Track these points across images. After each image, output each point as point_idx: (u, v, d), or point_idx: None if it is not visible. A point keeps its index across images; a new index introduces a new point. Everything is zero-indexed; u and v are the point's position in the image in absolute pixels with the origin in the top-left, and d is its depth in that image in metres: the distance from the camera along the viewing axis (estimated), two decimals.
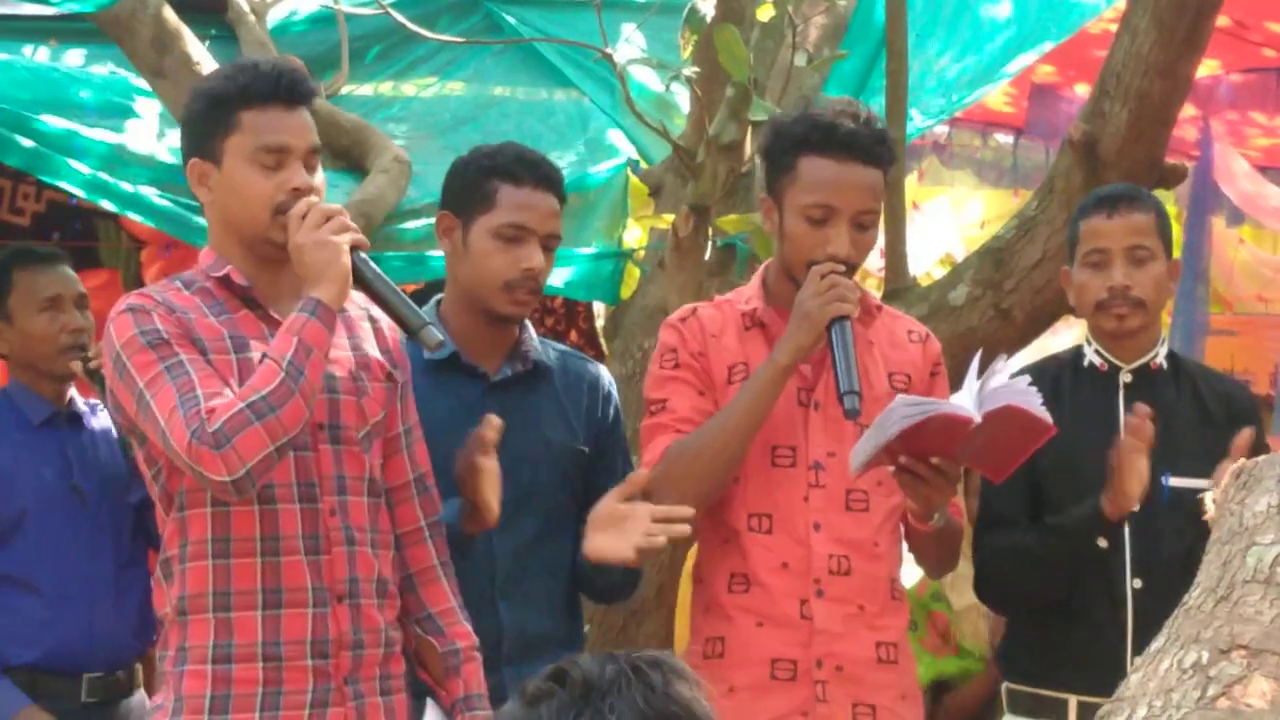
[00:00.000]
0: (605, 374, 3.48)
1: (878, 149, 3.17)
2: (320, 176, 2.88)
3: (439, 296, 3.38)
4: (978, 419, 2.89)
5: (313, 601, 2.80)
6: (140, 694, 4.03)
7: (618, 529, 3.12)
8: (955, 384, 3.40)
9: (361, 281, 2.81)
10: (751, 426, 3.13)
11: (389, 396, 2.96)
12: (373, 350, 2.95)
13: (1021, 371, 3.55)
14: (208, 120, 2.83)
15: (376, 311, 3.00)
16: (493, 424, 3.09)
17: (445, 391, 3.19)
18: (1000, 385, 2.92)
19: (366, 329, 2.98)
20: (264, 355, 2.73)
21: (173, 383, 2.69)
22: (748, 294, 3.31)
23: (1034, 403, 2.93)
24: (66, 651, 3.89)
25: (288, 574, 2.79)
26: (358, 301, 2.99)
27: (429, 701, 3.06)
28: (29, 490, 3.94)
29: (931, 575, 3.56)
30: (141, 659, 4.06)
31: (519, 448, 3.26)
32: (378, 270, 2.84)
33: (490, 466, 3.06)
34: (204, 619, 2.77)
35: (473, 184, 3.27)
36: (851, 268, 3.17)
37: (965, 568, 4.42)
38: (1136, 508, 3.30)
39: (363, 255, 2.80)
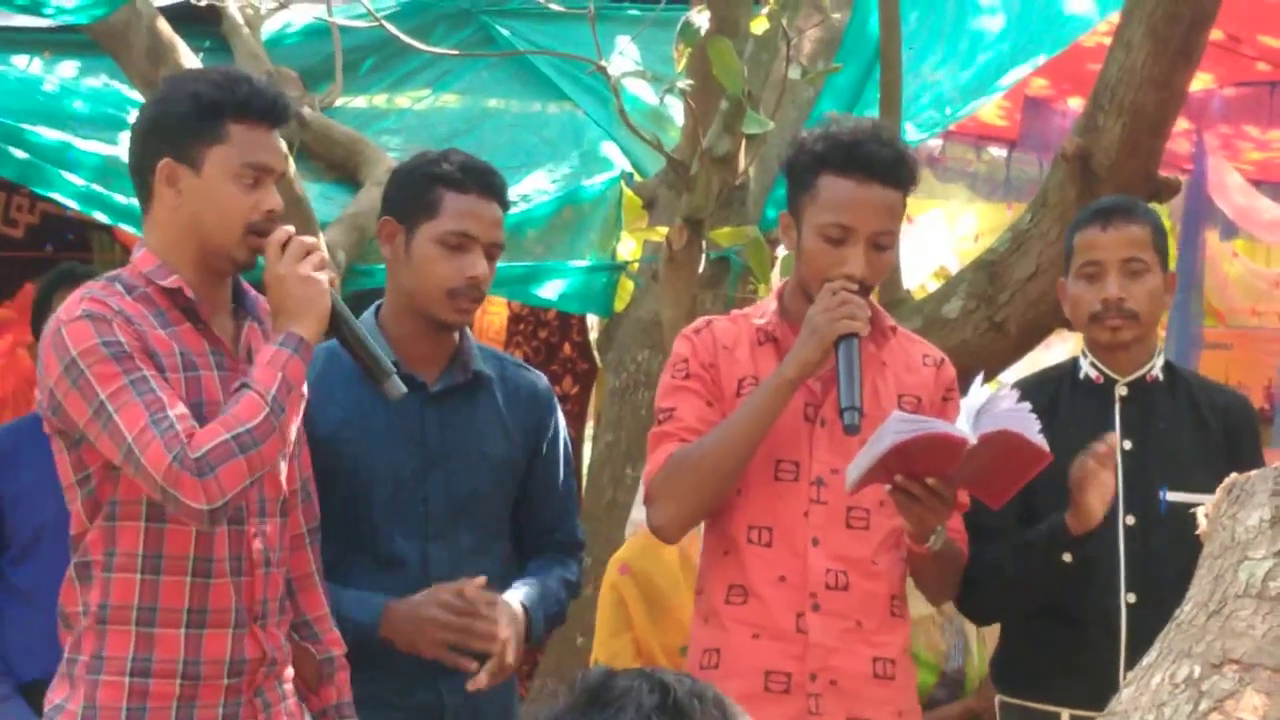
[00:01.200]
0: (544, 383, 3.48)
1: (898, 170, 3.16)
2: (279, 201, 2.88)
3: (379, 303, 3.36)
4: (973, 440, 2.89)
5: (235, 623, 2.82)
6: None
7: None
8: None
9: (335, 320, 2.83)
10: (754, 438, 3.13)
11: (299, 412, 2.94)
12: None
13: (1017, 384, 3.56)
14: (193, 124, 2.81)
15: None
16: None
17: (384, 402, 3.18)
18: (999, 409, 2.92)
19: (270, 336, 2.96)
20: (242, 384, 2.73)
21: (139, 399, 2.68)
22: (764, 308, 3.31)
23: (1031, 429, 2.93)
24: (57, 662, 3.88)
25: (215, 595, 2.80)
26: (265, 309, 2.98)
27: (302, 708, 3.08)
28: (50, 508, 3.93)
29: (932, 601, 3.54)
30: None
31: (457, 459, 3.26)
32: (348, 313, 2.87)
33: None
34: (126, 631, 2.78)
35: (417, 191, 3.26)
36: (866, 288, 3.17)
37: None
38: (1096, 524, 3.29)
39: (336, 296, 2.83)
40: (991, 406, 2.91)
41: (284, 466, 2.89)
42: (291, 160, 4.74)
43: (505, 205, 3.32)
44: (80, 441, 2.77)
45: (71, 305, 2.77)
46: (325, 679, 3.01)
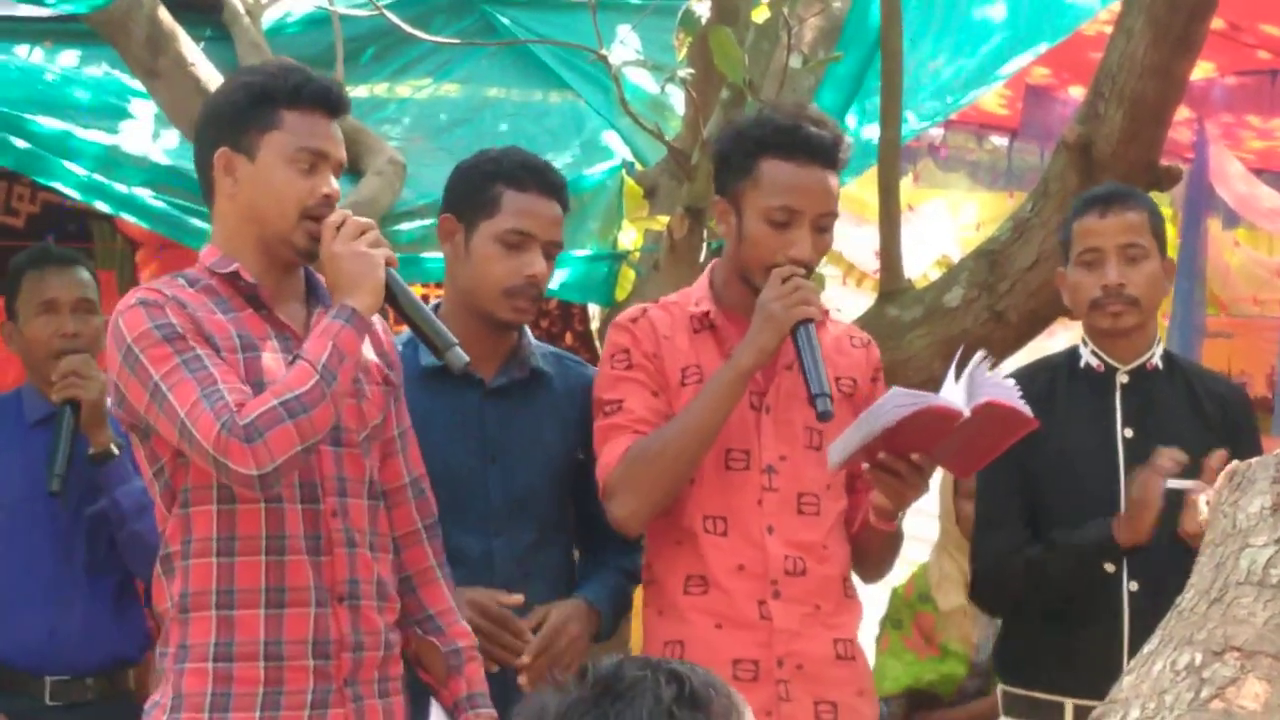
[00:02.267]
0: None
1: (836, 151, 3.19)
2: (337, 188, 2.89)
3: (437, 302, 3.37)
4: (966, 413, 2.90)
5: (315, 601, 2.81)
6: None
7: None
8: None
9: (392, 297, 2.83)
10: (713, 428, 3.13)
11: (386, 399, 2.96)
12: (370, 354, 2.95)
13: (1017, 373, 3.56)
14: (247, 112, 2.83)
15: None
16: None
17: (442, 398, 3.19)
18: (984, 380, 2.92)
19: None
20: (296, 356, 2.74)
21: (192, 376, 2.70)
22: (696, 295, 3.30)
23: (1015, 397, 2.94)
24: (27, 652, 3.88)
25: (291, 573, 2.79)
26: None
27: (433, 702, 3.06)
28: (8, 487, 3.94)
29: (869, 579, 3.55)
30: (129, 666, 4.03)
31: (517, 455, 3.27)
32: (406, 288, 2.86)
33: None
34: (206, 616, 2.78)
35: (477, 188, 3.27)
36: (810, 270, 3.17)
37: (952, 569, 4.42)
38: (1147, 540, 3.31)
39: (393, 272, 2.82)
40: (975, 378, 2.92)
41: (369, 450, 2.89)
42: None
43: (565, 204, 3.33)
44: (150, 433, 2.78)
45: (128, 296, 2.81)
46: (453, 671, 2.99)
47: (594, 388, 3.30)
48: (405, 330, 3.04)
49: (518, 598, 3.21)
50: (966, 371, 2.93)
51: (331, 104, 2.88)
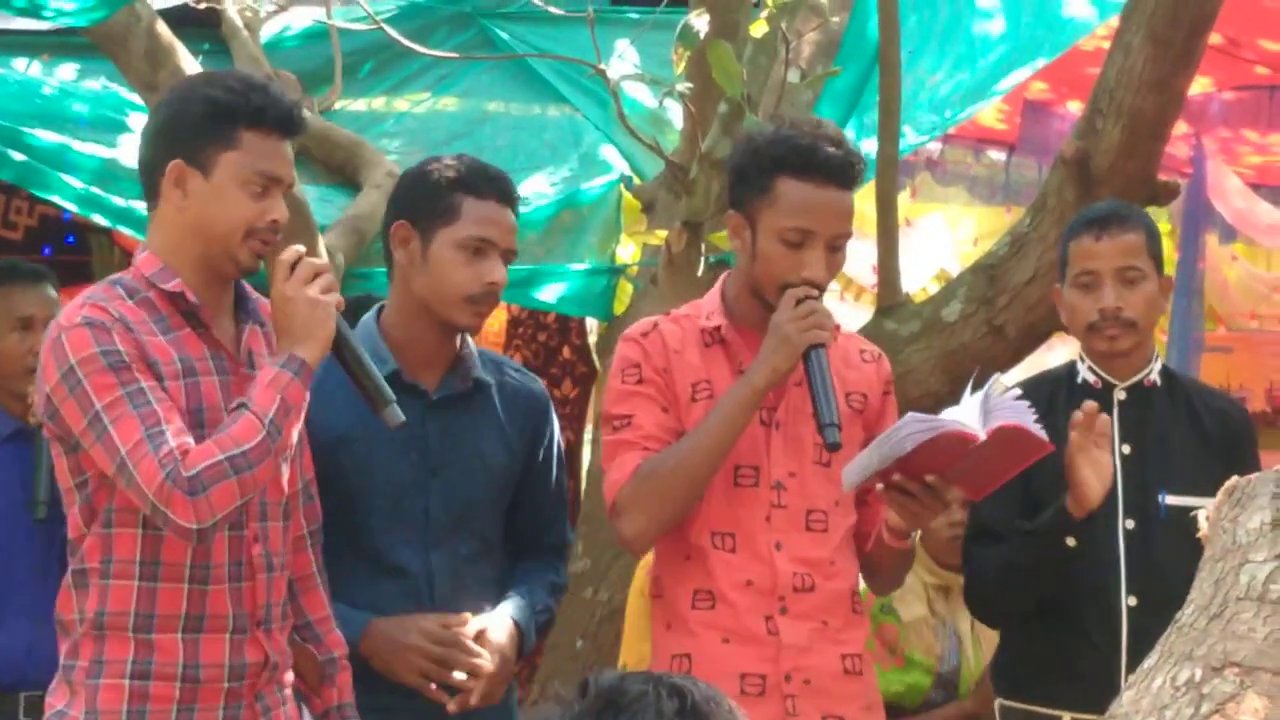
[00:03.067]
0: (541, 389, 3.47)
1: (853, 172, 3.18)
2: (285, 212, 2.88)
3: (379, 305, 3.35)
4: (982, 436, 2.90)
5: (233, 628, 2.82)
6: None
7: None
8: (950, 402, 3.40)
9: (338, 345, 2.83)
10: (724, 447, 3.13)
11: (301, 416, 2.95)
12: None
13: (1015, 388, 3.56)
14: (206, 128, 2.81)
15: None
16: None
17: None
18: (1001, 403, 2.92)
19: (271, 339, 2.95)
20: (240, 404, 2.73)
21: (135, 412, 2.68)
22: (707, 309, 3.28)
23: (1031, 421, 2.94)
24: (5, 669, 3.87)
25: (213, 601, 2.80)
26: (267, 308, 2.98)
27: (303, 709, 3.08)
28: None
29: (879, 592, 3.55)
30: None
31: (458, 467, 3.25)
32: (352, 336, 2.86)
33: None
34: (124, 637, 2.78)
35: (434, 195, 3.24)
36: (822, 290, 3.18)
37: (913, 581, 4.42)
38: (1097, 505, 3.30)
39: (341, 320, 2.82)
40: (991, 401, 2.92)
41: (285, 469, 2.89)
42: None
43: (517, 212, 3.33)
44: (78, 447, 2.76)
45: (72, 311, 2.77)
46: (327, 680, 3.01)
47: (603, 401, 3.30)
48: (360, 322, 3.02)
49: (465, 616, 3.20)
50: (982, 393, 2.93)
51: (290, 126, 2.86)
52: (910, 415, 2.96)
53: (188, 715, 2.79)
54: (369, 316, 3.31)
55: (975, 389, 2.95)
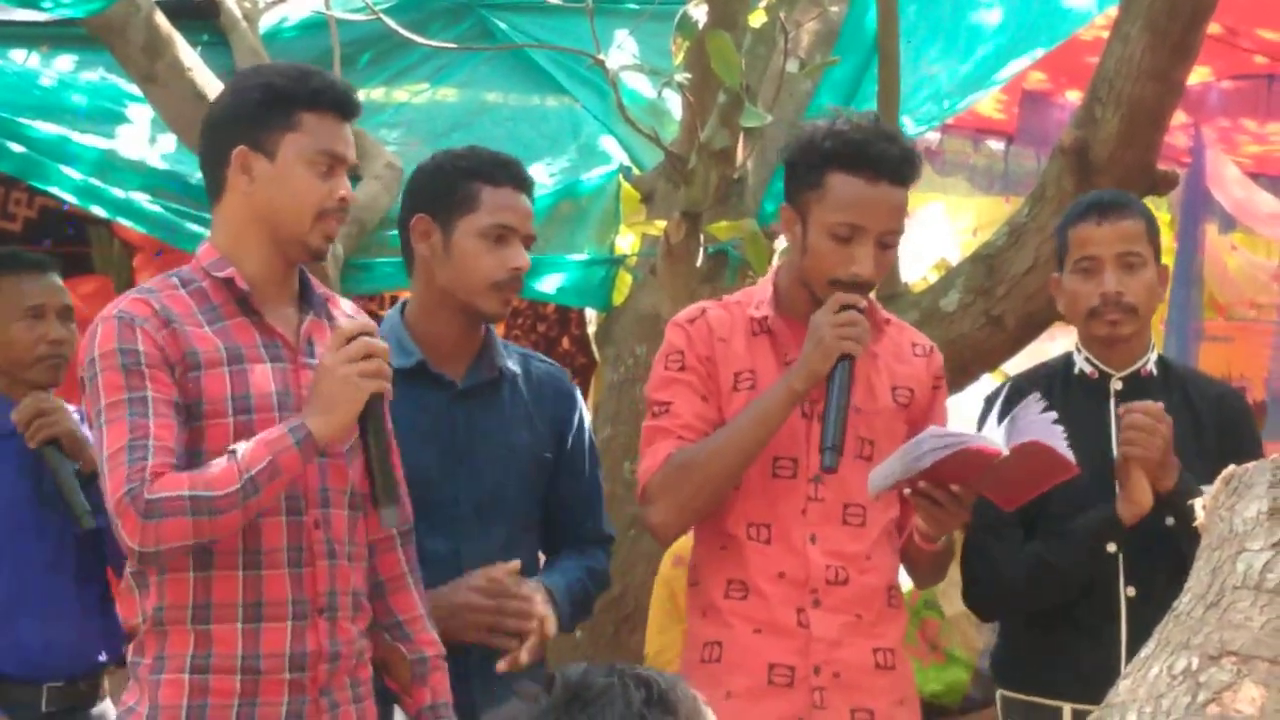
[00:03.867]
0: (565, 376, 3.49)
1: (905, 168, 3.17)
2: (352, 191, 2.91)
3: (404, 301, 3.37)
4: (1005, 452, 2.91)
5: (292, 615, 2.81)
6: (106, 704, 3.99)
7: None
8: (950, 392, 3.41)
9: (364, 426, 2.81)
10: (758, 445, 3.14)
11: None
12: None
13: (1012, 380, 3.56)
14: (267, 112, 2.84)
15: (351, 310, 3.02)
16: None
17: (412, 400, 3.19)
18: (1029, 420, 2.93)
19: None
20: (231, 452, 2.71)
21: (128, 420, 2.69)
22: (758, 298, 3.30)
23: (1060, 441, 2.95)
24: (25, 661, 3.87)
25: (269, 587, 2.79)
26: (346, 309, 3.01)
27: (396, 709, 3.07)
28: (1, 499, 3.92)
29: (920, 586, 3.57)
30: (107, 670, 4.03)
31: (486, 455, 3.27)
32: (383, 427, 2.84)
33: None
34: (183, 630, 2.78)
35: (451, 186, 3.26)
36: (871, 286, 3.19)
37: (957, 575, 4.43)
38: (1148, 509, 3.31)
39: (377, 404, 2.80)
40: (1021, 416, 2.93)
41: (350, 459, 2.88)
42: None
43: (533, 199, 3.36)
44: None
45: (118, 301, 2.81)
46: (418, 679, 2.99)
47: (647, 385, 3.31)
48: (385, 318, 3.01)
49: (513, 564, 3.21)
50: (1014, 411, 2.96)
51: (348, 108, 2.89)
52: (931, 429, 2.99)
53: (249, 710, 2.78)
54: (393, 311, 3.33)
55: (1006, 405, 2.98)
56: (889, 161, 3.14)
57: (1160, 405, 3.33)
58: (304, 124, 2.83)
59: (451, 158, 3.31)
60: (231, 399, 2.76)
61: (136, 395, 2.70)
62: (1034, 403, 2.97)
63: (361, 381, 2.75)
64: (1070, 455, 2.96)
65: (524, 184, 3.31)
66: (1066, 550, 3.41)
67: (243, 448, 2.71)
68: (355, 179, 5.22)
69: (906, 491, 3.08)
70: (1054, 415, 2.98)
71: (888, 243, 3.17)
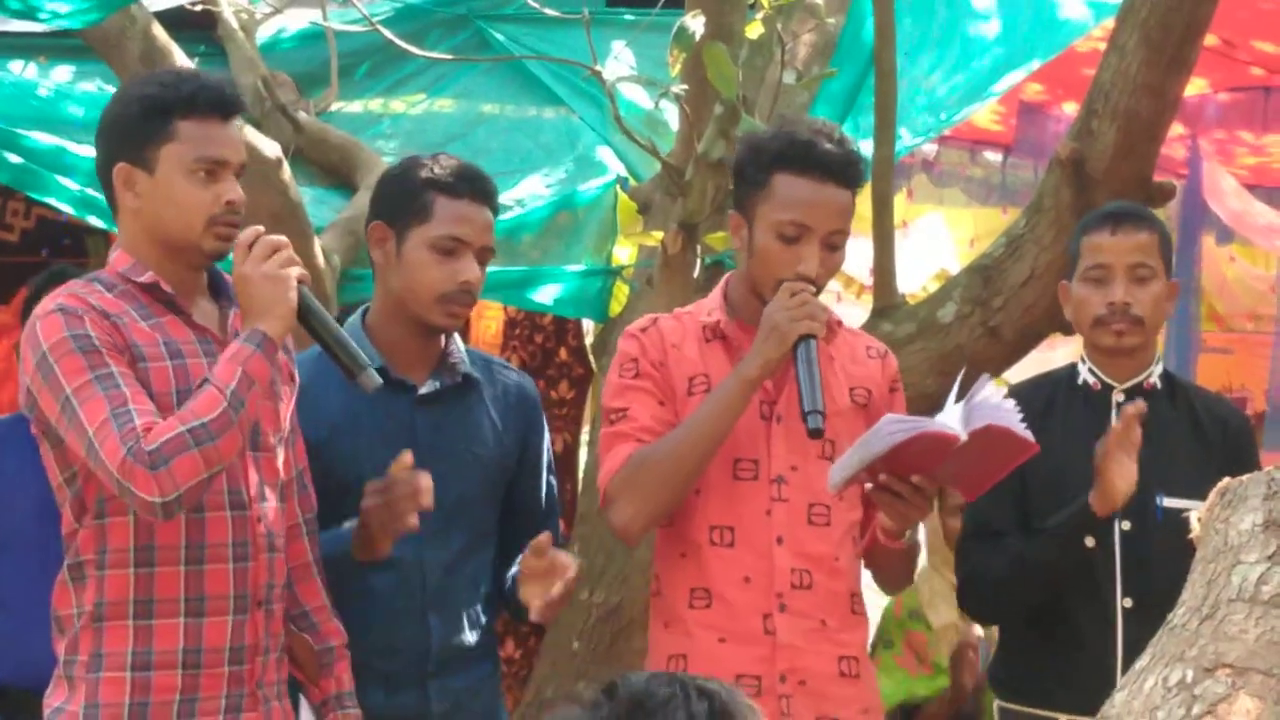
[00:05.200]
0: (531, 385, 3.48)
1: (851, 170, 3.18)
2: (239, 192, 2.88)
3: (365, 306, 3.36)
4: (964, 437, 2.90)
5: (234, 609, 2.82)
6: None
7: (544, 580, 3.15)
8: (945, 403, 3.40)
9: (304, 317, 2.83)
10: (716, 438, 3.13)
11: (292, 398, 2.98)
12: (279, 352, 2.95)
13: (1015, 388, 3.57)
14: (142, 125, 2.83)
15: None
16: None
17: (373, 405, 3.19)
18: (984, 404, 2.92)
19: None
20: (205, 380, 2.74)
21: (104, 394, 2.69)
22: (709, 306, 3.30)
23: (1016, 422, 2.94)
24: (32, 669, 3.87)
25: (211, 581, 2.80)
26: None
27: (301, 700, 3.07)
28: (21, 508, 3.92)
29: (888, 591, 3.55)
30: None
31: (449, 461, 3.25)
32: (320, 308, 2.86)
33: (412, 522, 3.05)
34: (123, 625, 2.78)
35: (408, 195, 3.25)
36: (819, 288, 3.18)
37: (942, 586, 4.43)
38: (1121, 504, 3.30)
39: (306, 291, 2.82)
40: (975, 401, 2.92)
41: (281, 452, 2.91)
42: (286, 165, 4.73)
43: (496, 210, 3.32)
44: (61, 439, 2.78)
45: (47, 300, 2.80)
46: (324, 670, 3.01)
47: (602, 395, 3.31)
48: (346, 322, 3.02)
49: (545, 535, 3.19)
50: (968, 395, 2.94)
51: (225, 107, 2.86)
52: (888, 416, 2.97)
53: (190, 705, 2.79)
54: (355, 317, 3.32)
55: (962, 391, 2.96)
56: (833, 162, 3.15)
57: (1143, 406, 3.32)
58: (180, 133, 2.81)
59: (414, 165, 3.30)
60: (176, 393, 2.77)
61: (102, 373, 2.71)
62: (987, 387, 2.96)
63: (283, 273, 2.77)
64: (1029, 435, 2.95)
65: (484, 195, 3.28)
66: (1045, 545, 3.41)
67: (212, 373, 2.73)
68: (351, 190, 5.23)
69: (868, 487, 3.06)
70: (1007, 398, 2.98)
71: (834, 244, 3.17)
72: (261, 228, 2.84)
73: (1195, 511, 2.14)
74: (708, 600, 3.17)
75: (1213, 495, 2.04)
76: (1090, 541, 3.36)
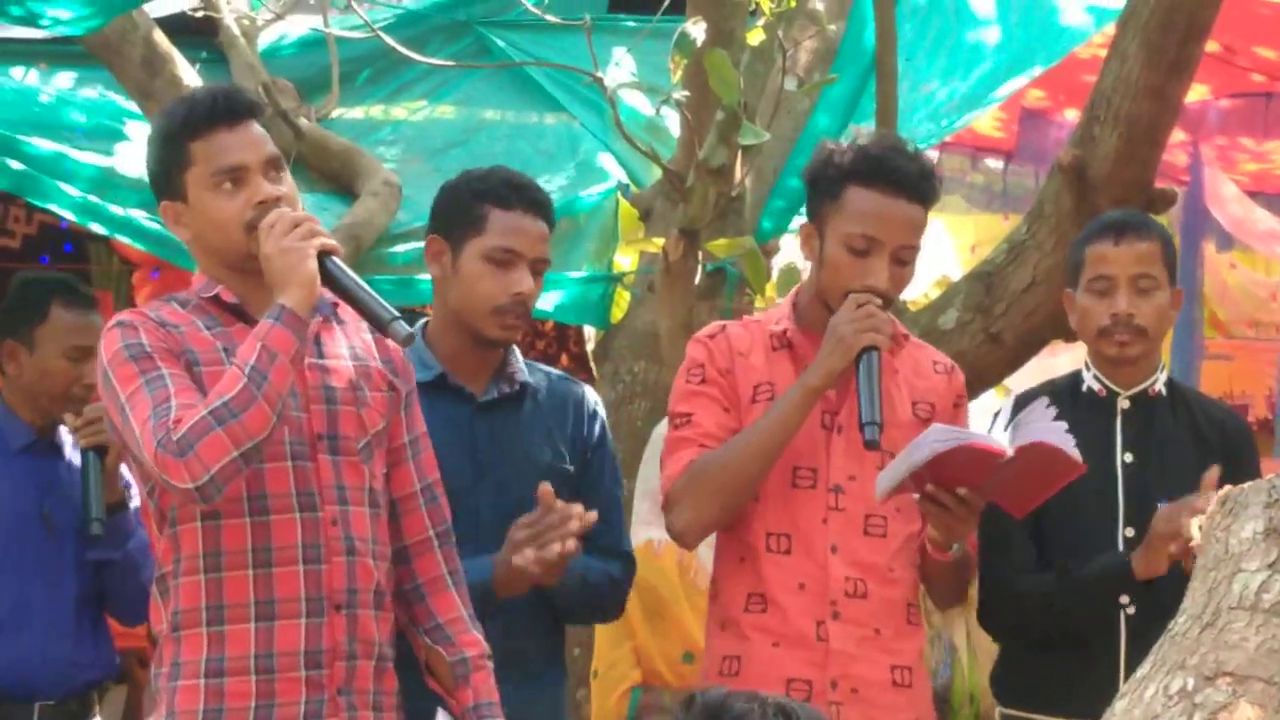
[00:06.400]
0: (590, 394, 3.48)
1: (924, 185, 3.19)
2: (289, 182, 2.88)
3: (425, 320, 3.38)
4: (1009, 452, 2.91)
5: (306, 612, 2.79)
6: None
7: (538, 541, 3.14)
8: None
9: (330, 282, 2.80)
10: (777, 446, 3.15)
11: (390, 406, 2.95)
12: (373, 360, 2.95)
13: (1020, 396, 3.56)
14: (164, 161, 2.86)
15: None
16: (548, 491, 3.15)
17: (433, 412, 3.19)
18: (1034, 421, 2.94)
19: (368, 339, 2.98)
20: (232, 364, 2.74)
21: (150, 395, 2.70)
22: (778, 315, 3.33)
23: (1067, 441, 2.95)
24: (19, 679, 3.87)
25: (281, 585, 2.78)
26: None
27: (439, 710, 3.05)
28: (7, 521, 3.92)
29: (940, 606, 3.56)
30: (98, 688, 4.04)
31: (507, 468, 3.27)
32: (346, 269, 2.83)
33: (570, 546, 3.09)
34: (197, 633, 2.77)
35: (463, 208, 3.27)
36: (888, 301, 3.19)
37: None
38: (1163, 573, 3.29)
39: (333, 259, 2.80)
40: (1026, 418, 2.94)
41: (367, 457, 2.88)
42: (288, 171, 4.73)
43: (551, 222, 3.33)
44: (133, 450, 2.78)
45: (114, 317, 2.83)
46: (460, 680, 2.97)
47: (670, 399, 3.33)
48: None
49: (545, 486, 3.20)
50: (1020, 414, 2.96)
51: (228, 114, 2.85)
52: (935, 426, 3.00)
53: (267, 711, 2.76)
54: (416, 328, 3.32)
55: (1016, 410, 2.98)
56: (907, 177, 3.16)
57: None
58: (195, 154, 2.82)
59: (468, 179, 3.33)
60: None
61: (152, 375, 2.72)
62: (1041, 406, 2.98)
63: (302, 245, 2.75)
64: (1077, 455, 2.96)
65: (537, 206, 3.30)
66: (1079, 597, 3.39)
67: (236, 354, 2.73)
68: (353, 196, 5.24)
69: (915, 497, 3.07)
70: (1060, 420, 2.98)
71: (904, 258, 3.19)
72: (286, 209, 2.82)
73: (1196, 519, 2.13)
74: (763, 605, 3.19)
75: (1214, 503, 2.04)
76: (1126, 599, 3.35)
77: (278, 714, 2.77)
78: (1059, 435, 2.95)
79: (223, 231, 2.83)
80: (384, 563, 2.91)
